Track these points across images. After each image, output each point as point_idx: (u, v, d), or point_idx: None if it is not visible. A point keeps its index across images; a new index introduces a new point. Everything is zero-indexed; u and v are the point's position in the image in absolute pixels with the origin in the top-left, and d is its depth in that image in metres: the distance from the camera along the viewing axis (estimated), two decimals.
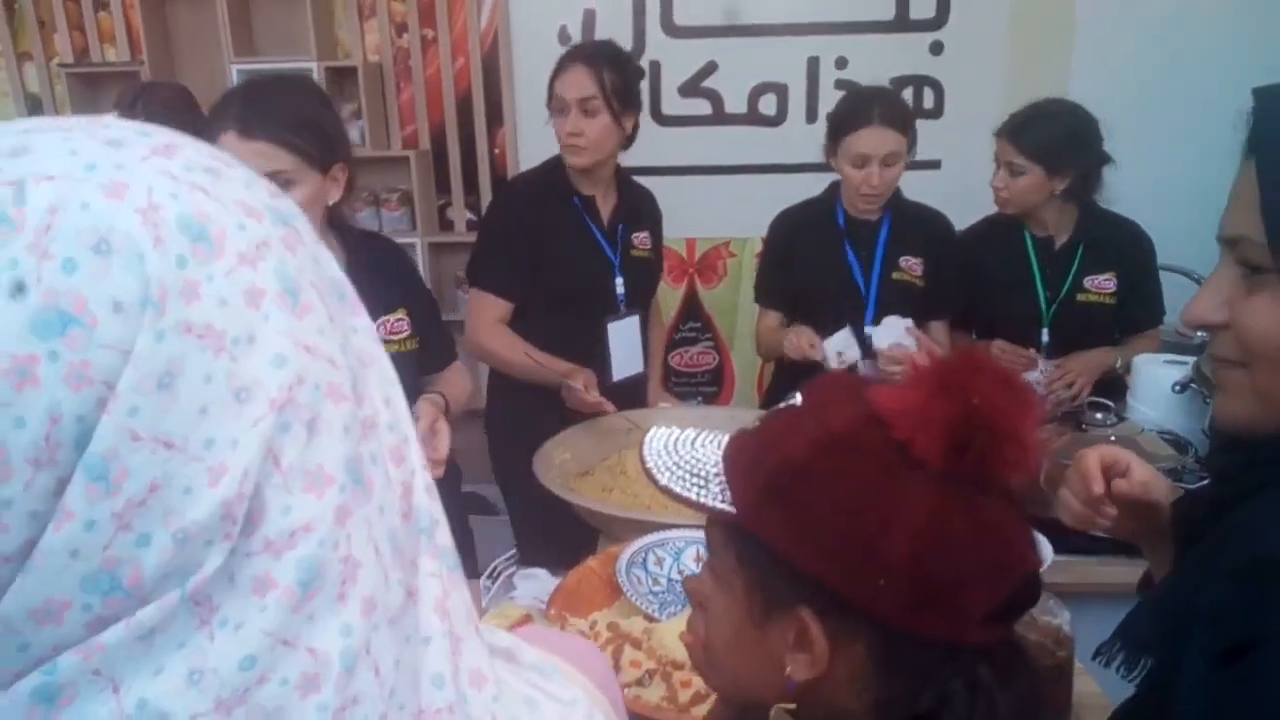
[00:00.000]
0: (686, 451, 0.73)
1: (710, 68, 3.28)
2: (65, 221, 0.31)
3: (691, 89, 3.31)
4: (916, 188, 2.33)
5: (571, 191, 2.17)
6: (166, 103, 1.99)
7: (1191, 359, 2.02)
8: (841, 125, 2.11)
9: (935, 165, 3.10)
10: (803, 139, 2.93)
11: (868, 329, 2.16)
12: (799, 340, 2.09)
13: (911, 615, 0.61)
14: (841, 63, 3.24)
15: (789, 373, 2.23)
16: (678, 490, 0.69)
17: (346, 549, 0.36)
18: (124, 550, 0.32)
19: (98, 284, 0.31)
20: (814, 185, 2.35)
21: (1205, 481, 1.48)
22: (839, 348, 2.07)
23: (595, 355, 2.16)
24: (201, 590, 0.33)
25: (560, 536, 1.77)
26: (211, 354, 0.33)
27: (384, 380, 0.42)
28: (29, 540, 0.31)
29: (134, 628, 0.32)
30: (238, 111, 1.50)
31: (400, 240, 3.28)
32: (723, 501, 0.67)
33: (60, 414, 0.30)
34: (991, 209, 2.33)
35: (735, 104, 3.32)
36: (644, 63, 3.02)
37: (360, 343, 0.41)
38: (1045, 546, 1.46)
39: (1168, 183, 2.88)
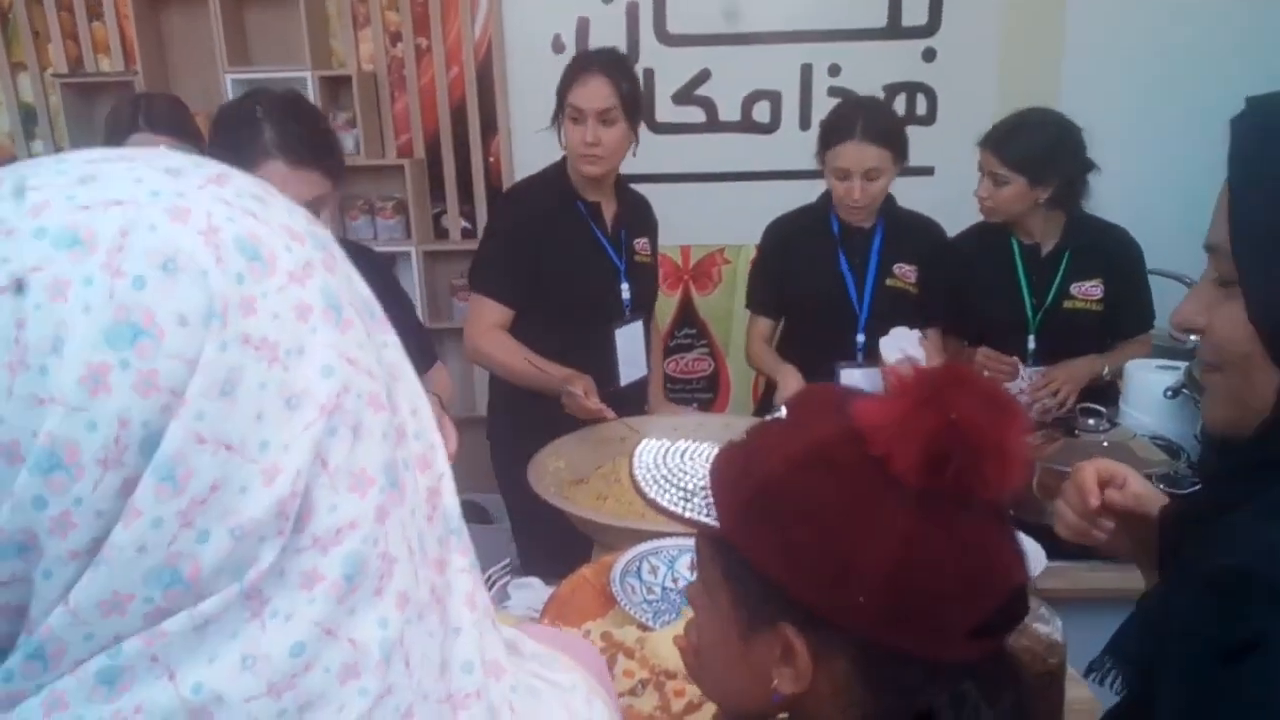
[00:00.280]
0: (676, 464, 0.73)
1: (704, 75, 3.29)
2: (135, 242, 0.34)
3: (685, 96, 3.31)
4: (909, 194, 2.34)
5: (576, 198, 2.17)
6: (161, 115, 1.99)
7: (1184, 364, 2.02)
8: (826, 138, 2.13)
9: (928, 172, 3.11)
10: (796, 146, 2.94)
11: (871, 337, 2.16)
12: (789, 385, 2.13)
13: (890, 632, 0.60)
14: (834, 70, 3.24)
15: None
16: (664, 504, 0.70)
17: (384, 546, 0.39)
18: (186, 546, 0.34)
19: (165, 299, 0.34)
20: (808, 192, 2.36)
21: (1197, 487, 1.49)
22: (900, 345, 2.04)
23: (601, 361, 2.16)
24: (254, 584, 0.35)
25: (557, 545, 1.77)
26: (266, 364, 0.36)
27: (411, 392, 0.45)
28: (95, 538, 0.33)
29: (195, 618, 0.35)
30: (278, 140, 1.51)
31: (395, 249, 3.32)
32: (708, 515, 0.67)
33: (129, 418, 0.33)
34: None
35: (729, 111, 3.32)
36: (638, 71, 3.02)
37: (391, 356, 0.44)
38: (1038, 553, 1.46)
39: (1159, 186, 2.89)
